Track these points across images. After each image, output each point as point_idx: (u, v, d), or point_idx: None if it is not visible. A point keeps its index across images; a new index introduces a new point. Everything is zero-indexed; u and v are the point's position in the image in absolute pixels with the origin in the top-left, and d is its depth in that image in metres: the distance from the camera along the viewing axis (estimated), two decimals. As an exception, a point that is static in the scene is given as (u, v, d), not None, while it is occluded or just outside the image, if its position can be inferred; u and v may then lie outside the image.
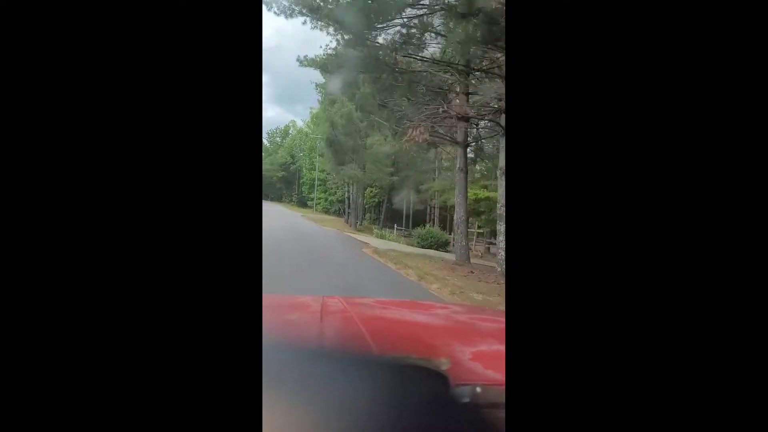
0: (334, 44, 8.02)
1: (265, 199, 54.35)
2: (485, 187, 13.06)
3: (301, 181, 40.81)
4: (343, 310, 0.85)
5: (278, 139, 56.07)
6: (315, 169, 32.51)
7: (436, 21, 7.28)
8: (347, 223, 22.00)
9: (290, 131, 50.32)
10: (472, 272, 7.12)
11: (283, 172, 46.23)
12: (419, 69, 8.05)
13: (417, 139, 7.89)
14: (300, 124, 47.06)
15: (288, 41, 71.42)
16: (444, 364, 0.49)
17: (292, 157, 45.01)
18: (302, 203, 41.20)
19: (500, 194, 7.51)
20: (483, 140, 11.16)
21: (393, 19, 7.15)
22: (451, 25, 6.08)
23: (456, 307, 1.78)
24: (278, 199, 49.32)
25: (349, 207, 23.39)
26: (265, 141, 58.14)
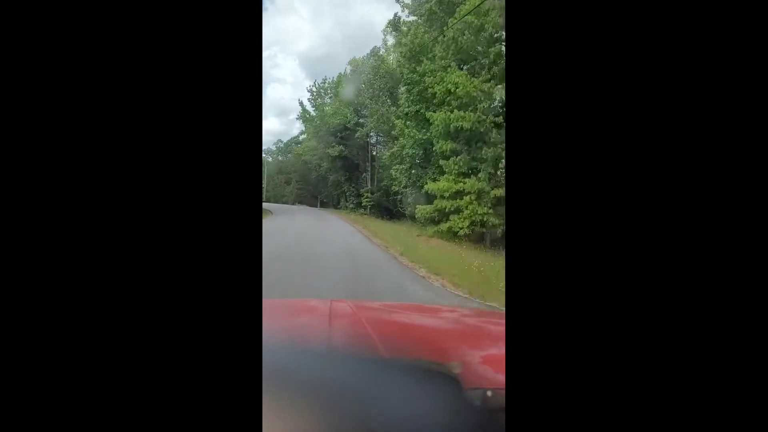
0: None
1: (312, 206, 31.88)
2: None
3: (383, 159, 17.23)
4: (352, 314, 0.85)
5: (328, 99, 33.24)
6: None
7: None
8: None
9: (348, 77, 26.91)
10: None
11: (340, 146, 22.25)
12: None
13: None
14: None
15: (338, 48, 65.46)
16: (456, 368, 0.48)
17: (356, 111, 21.40)
18: (385, 210, 17.89)
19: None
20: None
21: None
22: None
23: (464, 311, 1.73)
24: (335, 202, 26.16)
25: None
26: (308, 106, 35.51)
